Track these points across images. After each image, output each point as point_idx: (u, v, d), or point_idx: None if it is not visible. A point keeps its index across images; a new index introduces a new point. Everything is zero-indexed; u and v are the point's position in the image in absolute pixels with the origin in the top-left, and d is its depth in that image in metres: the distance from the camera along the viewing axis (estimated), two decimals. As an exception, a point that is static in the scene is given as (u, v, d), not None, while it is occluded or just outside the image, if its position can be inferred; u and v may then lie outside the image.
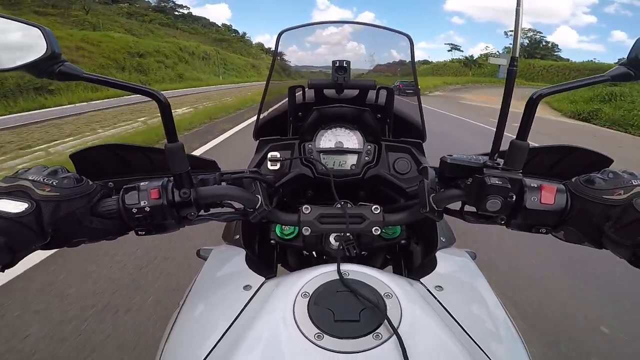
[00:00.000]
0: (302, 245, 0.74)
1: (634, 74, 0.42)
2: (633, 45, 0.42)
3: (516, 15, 0.41)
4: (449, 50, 68.85)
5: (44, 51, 0.41)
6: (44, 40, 0.41)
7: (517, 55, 0.41)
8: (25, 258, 0.42)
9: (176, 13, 68.15)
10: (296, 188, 0.78)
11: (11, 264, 0.40)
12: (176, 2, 67.70)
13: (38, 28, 0.42)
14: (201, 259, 0.71)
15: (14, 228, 0.38)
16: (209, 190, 0.50)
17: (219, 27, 79.80)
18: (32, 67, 0.41)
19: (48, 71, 0.41)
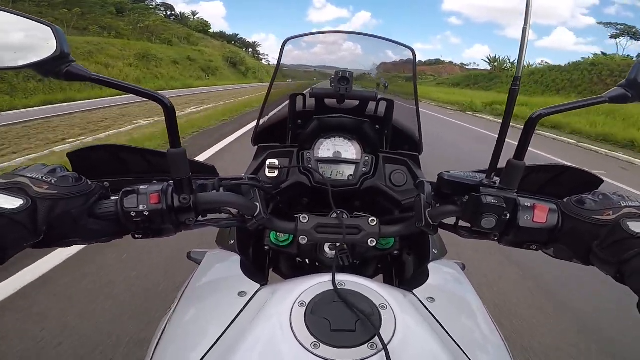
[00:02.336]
0: (296, 252, 0.74)
1: (631, 95, 0.43)
2: (633, 67, 0.43)
3: (522, 35, 0.41)
4: (611, 37, 41.16)
5: (53, 50, 0.40)
6: (54, 39, 0.41)
7: (519, 74, 0.42)
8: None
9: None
10: (292, 195, 0.79)
11: (1, 261, 0.38)
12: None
13: (49, 26, 0.42)
14: (192, 261, 0.70)
15: (6, 225, 0.37)
16: (209, 197, 0.51)
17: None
18: (40, 66, 0.41)
19: (55, 71, 0.41)
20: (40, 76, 0.43)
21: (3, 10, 0.42)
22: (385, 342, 0.37)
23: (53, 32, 0.42)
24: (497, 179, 0.47)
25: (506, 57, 36.86)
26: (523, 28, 0.41)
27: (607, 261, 0.42)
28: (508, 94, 0.43)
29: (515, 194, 0.46)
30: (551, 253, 0.50)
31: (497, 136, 0.45)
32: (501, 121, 0.45)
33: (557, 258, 0.50)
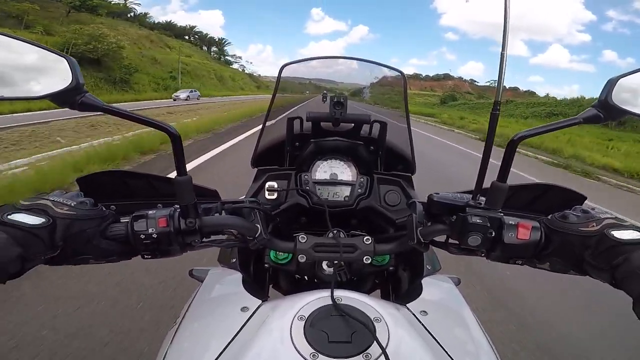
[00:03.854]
0: (295, 269, 0.76)
1: (603, 116, 0.45)
2: (604, 88, 0.45)
3: (501, 59, 0.44)
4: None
5: (69, 81, 0.43)
6: (70, 70, 0.43)
7: (499, 99, 0.45)
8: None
9: None
10: (291, 215, 0.81)
11: (19, 273, 0.41)
12: None
13: (65, 58, 0.44)
14: (194, 279, 0.72)
15: (29, 239, 0.41)
16: (213, 220, 0.54)
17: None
18: (57, 96, 0.43)
19: (70, 101, 0.43)
20: (55, 105, 0.45)
21: (21, 40, 0.44)
22: (380, 352, 0.39)
23: (68, 63, 0.44)
24: (483, 199, 0.51)
25: None
26: (501, 53, 0.44)
27: (601, 268, 0.45)
28: (489, 118, 0.46)
29: (500, 213, 0.50)
30: (547, 267, 0.52)
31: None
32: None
33: (554, 271, 0.52)
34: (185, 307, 0.57)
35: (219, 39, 64.93)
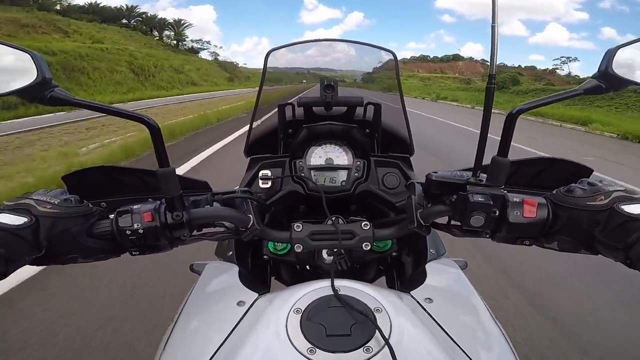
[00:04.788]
0: (295, 260, 0.74)
1: (605, 86, 0.43)
2: (603, 58, 0.43)
3: (492, 32, 0.42)
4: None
5: (34, 77, 0.41)
6: (34, 65, 0.42)
7: (494, 72, 0.42)
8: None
9: None
10: (288, 204, 0.79)
11: (4, 275, 0.40)
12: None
13: (28, 53, 0.43)
14: (195, 273, 0.71)
15: (11, 239, 0.39)
16: (201, 212, 0.51)
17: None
18: (23, 93, 0.42)
19: (39, 97, 0.42)
20: (26, 102, 0.43)
21: None
22: (382, 344, 0.37)
23: (32, 58, 0.42)
24: (484, 176, 0.47)
25: None
26: (492, 26, 0.41)
27: (614, 247, 0.42)
28: (485, 92, 0.43)
29: (502, 190, 0.46)
30: (555, 247, 0.49)
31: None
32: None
33: (563, 251, 0.49)
34: (182, 303, 0.56)
35: (174, 20, 49.27)
